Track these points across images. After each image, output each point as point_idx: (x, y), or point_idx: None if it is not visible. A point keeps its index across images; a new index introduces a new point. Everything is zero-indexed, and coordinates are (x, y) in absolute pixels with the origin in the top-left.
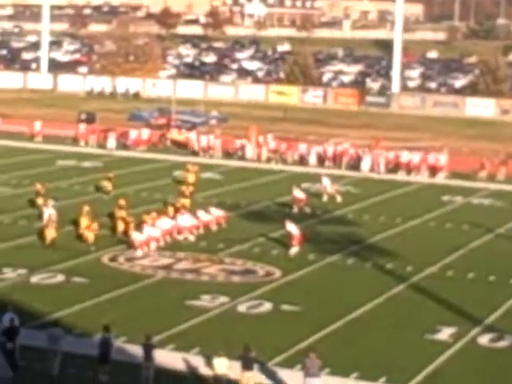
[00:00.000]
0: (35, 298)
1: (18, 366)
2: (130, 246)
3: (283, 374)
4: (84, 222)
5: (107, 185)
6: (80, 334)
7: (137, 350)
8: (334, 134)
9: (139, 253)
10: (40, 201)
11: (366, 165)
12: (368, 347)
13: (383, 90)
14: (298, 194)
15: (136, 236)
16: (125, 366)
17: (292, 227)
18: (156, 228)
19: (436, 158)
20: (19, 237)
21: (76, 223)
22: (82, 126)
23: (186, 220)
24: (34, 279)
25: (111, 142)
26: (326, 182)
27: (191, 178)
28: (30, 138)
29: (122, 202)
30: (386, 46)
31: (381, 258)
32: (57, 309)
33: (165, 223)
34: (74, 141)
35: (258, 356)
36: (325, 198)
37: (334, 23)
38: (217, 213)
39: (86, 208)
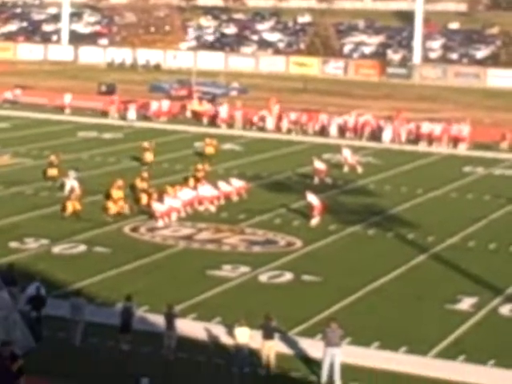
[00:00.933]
0: (57, 268)
1: (42, 336)
2: (152, 216)
3: (304, 343)
4: (116, 194)
5: (148, 156)
6: (102, 304)
7: (159, 320)
8: (355, 106)
9: (160, 223)
10: (54, 172)
11: (387, 136)
12: (389, 317)
13: (404, 62)
14: (319, 164)
15: (157, 206)
16: (147, 336)
17: (313, 198)
18: (177, 199)
19: (458, 128)
20: (41, 207)
21: (107, 196)
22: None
23: (206, 190)
24: (56, 249)
25: (131, 113)
26: (346, 152)
27: (209, 150)
28: (59, 110)
29: (144, 174)
30: (407, 17)
31: (402, 228)
32: (79, 279)
33: (186, 194)
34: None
35: (278, 325)
36: (346, 169)
37: None
38: (238, 183)
39: (120, 182)
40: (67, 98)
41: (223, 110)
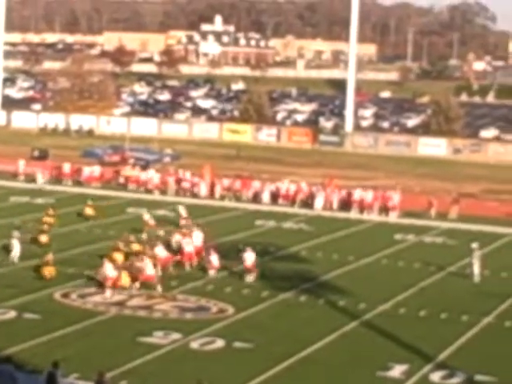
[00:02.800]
0: None
1: None
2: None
3: None
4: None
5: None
6: (31, 371)
7: None
8: (288, 173)
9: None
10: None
11: (319, 203)
12: None
13: (336, 129)
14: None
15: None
16: None
17: (250, 255)
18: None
19: (389, 196)
20: None
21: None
22: (21, 162)
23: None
24: None
25: (39, 176)
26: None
27: (88, 211)
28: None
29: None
30: (339, 85)
31: (333, 295)
32: (8, 345)
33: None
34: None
35: None
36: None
37: (288, 62)
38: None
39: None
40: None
41: (156, 177)
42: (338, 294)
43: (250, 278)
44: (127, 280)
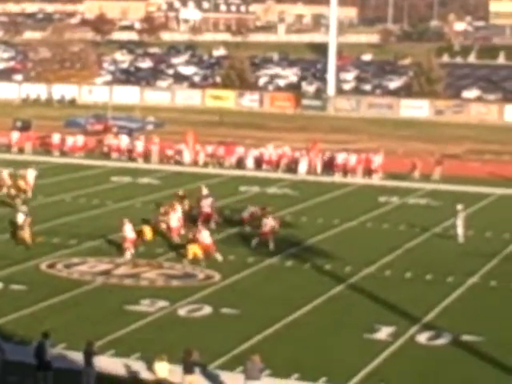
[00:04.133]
0: None
1: None
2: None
3: (224, 376)
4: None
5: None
6: (19, 342)
7: (77, 357)
8: (271, 138)
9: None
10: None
11: (302, 167)
12: (308, 348)
13: (319, 93)
14: None
15: None
16: (65, 373)
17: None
18: None
19: (372, 159)
20: None
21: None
22: (15, 134)
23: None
24: None
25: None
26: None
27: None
28: None
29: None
30: (320, 49)
31: (319, 259)
32: None
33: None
34: (8, 148)
35: (200, 359)
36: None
37: (268, 27)
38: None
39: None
40: (15, 136)
41: (139, 144)
42: (324, 258)
43: (271, 246)
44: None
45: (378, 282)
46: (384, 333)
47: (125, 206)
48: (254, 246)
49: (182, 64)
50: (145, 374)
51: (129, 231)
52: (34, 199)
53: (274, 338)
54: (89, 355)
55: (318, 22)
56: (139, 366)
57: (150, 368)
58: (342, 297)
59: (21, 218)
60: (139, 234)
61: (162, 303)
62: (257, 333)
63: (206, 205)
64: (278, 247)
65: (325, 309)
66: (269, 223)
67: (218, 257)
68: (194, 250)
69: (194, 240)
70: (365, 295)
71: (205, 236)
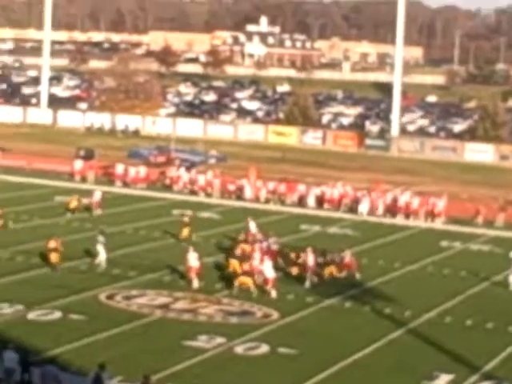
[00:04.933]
0: (32, 335)
1: None
2: None
3: None
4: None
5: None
6: (76, 372)
7: None
8: (333, 176)
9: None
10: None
11: (364, 207)
12: None
13: (382, 133)
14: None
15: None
16: None
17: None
18: None
19: (435, 202)
20: (17, 272)
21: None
22: (79, 163)
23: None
24: (31, 315)
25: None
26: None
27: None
28: (37, 173)
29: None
30: (385, 88)
31: (379, 302)
32: (54, 346)
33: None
34: (70, 176)
35: None
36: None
37: (333, 65)
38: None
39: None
40: (78, 165)
41: (201, 178)
42: (384, 301)
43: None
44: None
45: (438, 327)
46: (443, 381)
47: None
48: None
49: (245, 99)
50: None
51: (193, 260)
52: (95, 229)
53: (331, 379)
54: None
55: (383, 61)
56: None
57: None
58: (402, 341)
59: (101, 249)
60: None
61: (219, 340)
62: (314, 374)
63: (273, 242)
64: (338, 288)
65: (384, 352)
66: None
67: (273, 293)
68: (245, 280)
69: (250, 272)
70: (424, 341)
71: (267, 268)
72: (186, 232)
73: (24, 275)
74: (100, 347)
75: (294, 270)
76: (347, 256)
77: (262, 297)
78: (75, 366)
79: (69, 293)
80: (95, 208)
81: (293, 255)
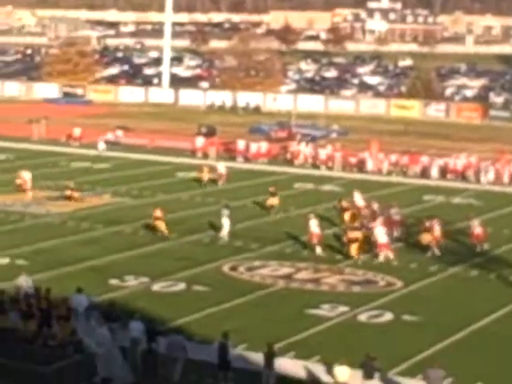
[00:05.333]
0: (156, 306)
1: (157, 373)
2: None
3: (404, 383)
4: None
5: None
6: (200, 341)
7: (257, 358)
8: (456, 148)
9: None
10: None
11: (489, 177)
12: (491, 358)
13: (507, 104)
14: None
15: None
16: (245, 374)
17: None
18: None
19: None
20: (140, 246)
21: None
22: (200, 140)
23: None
24: (156, 287)
25: (101, 144)
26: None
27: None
28: (159, 151)
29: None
30: (509, 60)
31: (504, 270)
32: (178, 316)
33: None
34: (192, 153)
35: (381, 365)
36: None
37: (456, 39)
38: None
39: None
40: (199, 142)
41: (323, 152)
42: (509, 269)
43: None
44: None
45: None
46: None
47: (307, 212)
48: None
49: (367, 74)
50: (324, 378)
51: (314, 227)
52: (217, 203)
53: (456, 346)
54: (269, 357)
55: (508, 34)
56: (319, 369)
57: (330, 372)
58: None
59: (225, 222)
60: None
61: (342, 308)
62: (438, 341)
63: (395, 213)
64: (462, 257)
65: (509, 320)
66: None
67: (390, 255)
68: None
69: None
70: None
71: (379, 233)
72: (273, 201)
73: (147, 249)
74: (223, 317)
75: (425, 238)
76: (475, 226)
77: (384, 266)
78: (199, 336)
79: (192, 265)
80: (220, 180)
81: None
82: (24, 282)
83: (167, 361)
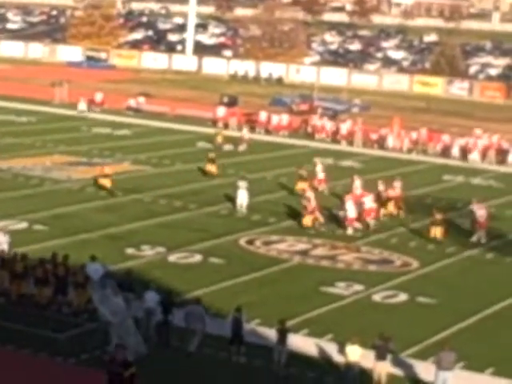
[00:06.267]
0: (172, 277)
1: (169, 343)
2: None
3: (416, 365)
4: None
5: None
6: (215, 315)
7: (270, 333)
8: (478, 127)
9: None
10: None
11: (510, 158)
12: (505, 343)
13: None
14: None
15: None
16: (258, 349)
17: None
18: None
19: None
20: (158, 215)
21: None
22: (221, 109)
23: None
24: (172, 258)
25: (82, 105)
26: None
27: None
28: (179, 119)
29: None
30: None
31: None
32: (193, 288)
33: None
34: (213, 123)
35: (394, 347)
36: None
37: (483, 15)
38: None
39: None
40: (220, 111)
41: (344, 127)
42: None
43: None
44: None
45: None
46: None
47: (328, 186)
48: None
49: (391, 48)
50: (336, 356)
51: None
52: (236, 175)
53: (469, 330)
54: (282, 333)
55: None
56: (331, 348)
57: (342, 350)
58: None
59: (242, 194)
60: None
61: (357, 287)
62: (452, 323)
63: (398, 187)
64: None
65: None
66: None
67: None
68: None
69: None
70: None
71: (350, 207)
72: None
73: (165, 218)
74: (238, 291)
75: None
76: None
77: (402, 246)
78: (214, 309)
79: (209, 237)
80: (241, 143)
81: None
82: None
83: (184, 332)
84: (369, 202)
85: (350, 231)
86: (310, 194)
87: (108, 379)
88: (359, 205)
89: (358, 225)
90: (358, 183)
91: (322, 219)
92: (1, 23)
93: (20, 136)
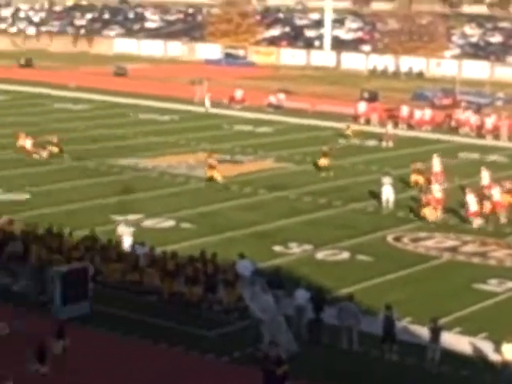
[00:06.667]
0: (320, 274)
1: (320, 341)
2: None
3: None
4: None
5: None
6: (365, 312)
7: (422, 331)
8: None
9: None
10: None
11: None
12: None
13: None
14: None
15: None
16: (410, 347)
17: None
18: None
19: None
20: (304, 212)
21: None
22: (362, 105)
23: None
24: (320, 255)
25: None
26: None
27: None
28: (319, 115)
29: None
30: None
31: None
32: (341, 285)
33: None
34: (354, 119)
35: None
36: None
37: None
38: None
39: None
40: (361, 107)
41: (489, 121)
42: None
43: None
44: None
45: None
46: None
47: (472, 182)
48: None
49: None
50: (492, 355)
51: (472, 202)
52: (380, 171)
53: None
54: (435, 331)
55: None
56: (486, 346)
57: (498, 349)
58: None
59: (388, 190)
60: None
61: (510, 284)
62: None
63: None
64: None
65: None
66: None
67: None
68: None
69: None
70: None
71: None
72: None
73: (311, 216)
74: (387, 288)
75: None
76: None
77: None
78: (364, 306)
79: (356, 233)
80: (387, 140)
81: None
82: (124, 229)
83: (336, 330)
84: (497, 193)
85: (474, 225)
86: (434, 186)
87: (263, 376)
88: (487, 197)
89: (479, 220)
90: (485, 174)
91: (440, 213)
92: (139, 22)
93: (164, 134)
